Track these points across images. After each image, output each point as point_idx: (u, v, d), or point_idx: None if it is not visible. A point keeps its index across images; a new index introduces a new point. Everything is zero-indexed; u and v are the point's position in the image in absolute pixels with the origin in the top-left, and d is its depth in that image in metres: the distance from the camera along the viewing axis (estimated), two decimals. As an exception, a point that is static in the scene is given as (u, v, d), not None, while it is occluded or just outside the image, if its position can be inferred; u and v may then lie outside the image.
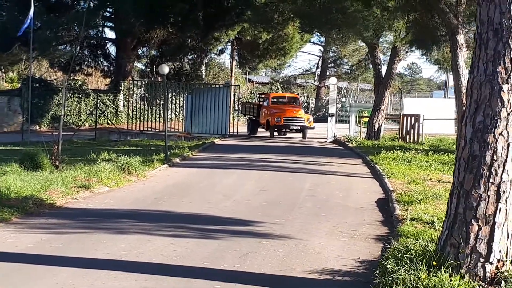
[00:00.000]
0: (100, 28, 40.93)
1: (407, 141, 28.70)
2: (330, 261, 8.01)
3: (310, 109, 53.27)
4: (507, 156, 6.41)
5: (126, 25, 35.67)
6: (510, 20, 6.36)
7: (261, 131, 34.51)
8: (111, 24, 40.10)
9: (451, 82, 38.09)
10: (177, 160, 19.10)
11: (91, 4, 36.55)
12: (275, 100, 34.36)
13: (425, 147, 25.38)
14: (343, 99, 55.29)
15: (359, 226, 10.35)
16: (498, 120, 6.39)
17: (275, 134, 32.85)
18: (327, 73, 60.02)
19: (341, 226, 10.29)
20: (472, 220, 6.44)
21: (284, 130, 32.66)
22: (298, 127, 31.56)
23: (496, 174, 6.40)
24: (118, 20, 37.25)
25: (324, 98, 55.23)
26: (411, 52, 34.17)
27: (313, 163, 19.43)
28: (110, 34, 42.56)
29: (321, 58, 62.68)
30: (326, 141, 30.59)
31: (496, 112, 6.40)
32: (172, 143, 24.26)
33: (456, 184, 6.66)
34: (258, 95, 42.47)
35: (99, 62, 42.65)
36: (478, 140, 6.47)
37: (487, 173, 6.41)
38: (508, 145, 6.41)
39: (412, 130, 29.39)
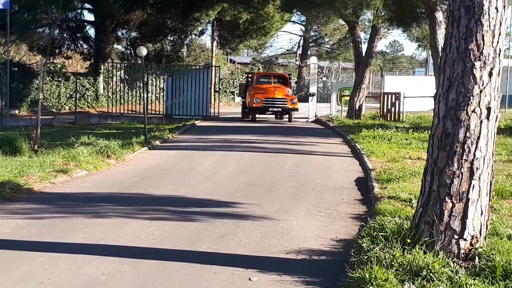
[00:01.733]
0: (79, 11, 40.58)
1: (388, 119, 28.84)
2: (307, 241, 8.03)
3: (292, 89, 53.22)
4: (480, 133, 6.43)
5: (105, 7, 35.41)
6: (481, -3, 6.37)
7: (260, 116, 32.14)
8: (89, 6, 39.66)
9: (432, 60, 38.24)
10: (157, 142, 19.06)
11: (69, -14, 36.23)
12: (260, 80, 32.34)
13: (406, 125, 25.54)
14: (325, 78, 55.35)
15: (338, 206, 10.38)
16: (471, 97, 6.40)
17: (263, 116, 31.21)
18: (309, 53, 59.90)
19: (319, 205, 10.32)
20: (446, 198, 6.47)
21: (264, 112, 30.23)
22: (279, 109, 29.63)
23: (469, 151, 6.43)
24: (97, 2, 36.92)
25: (306, 78, 55.08)
26: (392, 30, 34.11)
27: (294, 143, 19.47)
28: (89, 16, 42.15)
29: (302, 37, 62.56)
30: (307, 121, 30.69)
31: (469, 90, 6.41)
32: (152, 125, 24.22)
33: (430, 161, 6.68)
34: (246, 75, 40.45)
35: (79, 45, 42.31)
36: (451, 117, 6.48)
37: (460, 150, 6.43)
38: (481, 122, 6.43)
39: (393, 108, 29.52)
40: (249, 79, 33.87)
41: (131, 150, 16.62)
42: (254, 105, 29.15)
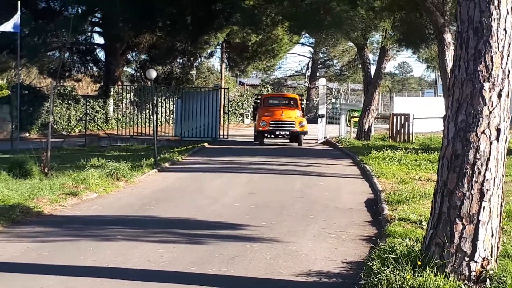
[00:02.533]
0: (89, 34, 40.83)
1: (397, 140, 28.78)
2: (317, 263, 8.00)
3: (303, 111, 53.16)
4: (489, 155, 6.40)
5: (114, 30, 35.60)
6: (490, 19, 6.37)
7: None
8: (99, 29, 39.99)
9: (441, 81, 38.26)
10: (167, 164, 19.09)
11: (79, 10, 36.48)
12: (269, 102, 30.29)
13: (415, 146, 25.47)
14: (334, 100, 55.45)
15: (347, 227, 10.34)
16: (480, 119, 6.39)
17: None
18: (317, 74, 60.05)
19: (329, 227, 10.29)
20: (456, 219, 6.43)
21: (271, 135, 28.15)
22: (287, 132, 27.58)
23: (479, 173, 6.40)
24: (107, 25, 37.17)
25: (314, 99, 55.22)
26: (400, 51, 34.22)
27: (303, 165, 19.45)
28: (99, 39, 42.48)
29: (311, 59, 62.76)
30: (316, 142, 30.62)
31: (478, 111, 6.40)
32: (162, 148, 24.24)
33: (440, 183, 6.65)
34: (255, 97, 39.17)
35: (89, 67, 42.52)
36: (460, 139, 6.47)
37: (470, 172, 6.41)
38: (491, 143, 6.41)
39: (402, 130, 29.47)
40: (257, 101, 32.58)
41: (141, 172, 16.64)
42: (260, 128, 27.41)
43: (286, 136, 28.13)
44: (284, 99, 30.91)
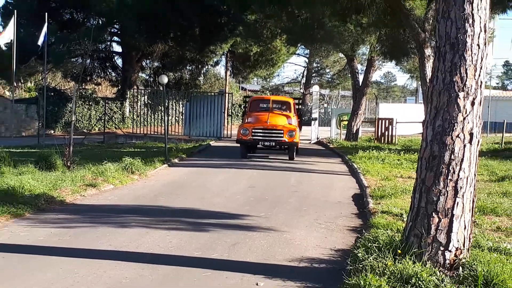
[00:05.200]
0: (108, 43, 40.76)
1: (382, 142, 28.78)
2: (309, 250, 8.02)
3: (300, 116, 53.03)
4: (463, 156, 6.42)
5: (131, 40, 35.57)
6: (465, 35, 6.39)
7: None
8: (118, 39, 39.91)
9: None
10: (176, 160, 19.08)
11: (100, 21, 36.49)
12: (257, 105, 22.27)
13: (398, 147, 25.45)
14: (325, 105, 55.38)
15: (336, 219, 10.35)
16: (455, 124, 6.41)
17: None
18: (311, 82, 59.74)
19: (320, 219, 10.30)
20: (433, 213, 6.45)
21: (254, 146, 20.88)
22: (273, 143, 19.84)
23: (454, 172, 6.42)
24: (124, 36, 37.14)
25: (308, 104, 55.07)
26: (385, 62, 34.16)
27: (298, 163, 19.44)
28: (117, 48, 42.25)
29: (305, 68, 62.46)
30: (310, 142, 30.60)
31: (453, 117, 6.42)
32: (172, 145, 24.23)
33: (419, 181, 6.67)
34: (244, 99, 29.72)
35: (107, 72, 42.46)
36: (437, 142, 6.49)
37: (446, 171, 6.43)
38: (464, 146, 6.43)
39: (386, 132, 29.48)
40: (245, 105, 24.09)
41: (153, 167, 16.64)
42: (241, 137, 19.88)
43: (276, 148, 20.65)
44: (275, 103, 22.39)
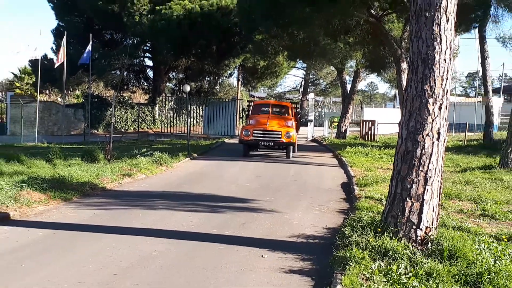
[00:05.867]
0: (141, 58, 40.76)
1: (366, 139, 28.66)
2: (305, 229, 8.00)
3: (299, 119, 52.86)
4: (432, 151, 6.40)
5: (160, 56, 35.69)
6: (434, 52, 6.36)
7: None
8: (149, 55, 39.91)
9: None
10: (196, 154, 19.06)
11: (135, 41, 36.51)
12: (258, 109, 20.90)
13: (379, 144, 25.37)
14: (320, 109, 55.22)
15: (328, 203, 10.33)
16: (426, 125, 6.38)
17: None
18: (308, 90, 59.71)
19: (314, 202, 10.28)
20: (407, 198, 6.43)
21: (255, 146, 19.06)
22: (271, 143, 18.25)
23: (424, 164, 6.40)
24: (154, 53, 37.24)
25: (305, 109, 54.99)
26: (369, 74, 34.00)
27: (296, 156, 19.37)
28: (148, 62, 42.08)
29: (303, 79, 62.36)
30: (306, 140, 30.51)
31: (424, 119, 6.39)
32: (193, 142, 24.24)
33: (395, 171, 6.64)
34: (247, 103, 25.59)
35: (141, 83, 42.54)
36: (411, 139, 6.46)
37: (418, 164, 6.41)
38: (433, 143, 6.40)
39: (369, 132, 29.37)
40: (248, 109, 22.11)
41: (178, 160, 16.63)
42: (243, 138, 18.51)
43: (275, 148, 18.86)
44: (275, 107, 21.04)
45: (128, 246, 6.80)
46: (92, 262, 6.12)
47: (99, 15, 32.78)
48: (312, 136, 31.52)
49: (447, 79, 6.42)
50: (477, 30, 24.06)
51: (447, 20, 6.36)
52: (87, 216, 8.58)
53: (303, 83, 62.73)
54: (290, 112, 20.72)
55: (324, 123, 34.75)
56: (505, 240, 6.66)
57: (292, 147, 18.54)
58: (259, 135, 18.18)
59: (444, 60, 6.39)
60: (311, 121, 32.33)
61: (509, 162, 14.63)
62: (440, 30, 6.34)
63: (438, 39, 6.34)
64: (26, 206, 8.82)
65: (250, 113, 20.70)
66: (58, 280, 5.53)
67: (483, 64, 25.14)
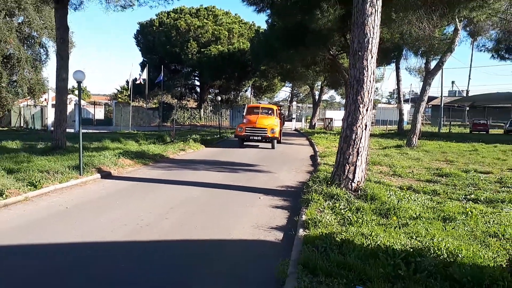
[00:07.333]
0: (192, 80, 40.49)
1: (327, 129, 28.37)
2: (286, 182, 7.98)
3: (283, 119, 52.31)
4: (362, 136, 6.34)
5: (203, 79, 35.43)
6: (363, 76, 6.27)
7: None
8: (197, 78, 39.67)
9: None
10: (225, 138, 18.94)
11: (188, 70, 36.25)
12: (251, 111, 16.83)
13: (334, 132, 25.05)
14: (300, 111, 54.60)
15: (301, 167, 10.28)
16: (358, 120, 6.32)
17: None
18: (293, 99, 59.21)
19: (293, 167, 10.23)
20: (346, 164, 6.39)
21: (247, 140, 15.35)
22: (259, 138, 14.91)
23: (356, 144, 6.34)
24: (200, 77, 36.97)
25: (291, 111, 54.63)
26: (329, 89, 33.64)
27: (284, 140, 19.25)
28: (196, 82, 41.92)
29: (290, 93, 61.74)
30: (291, 130, 30.29)
31: (357, 117, 6.32)
32: (223, 131, 24.18)
33: (339, 148, 6.59)
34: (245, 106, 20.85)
35: (192, 95, 42.29)
36: (349, 129, 6.40)
37: (353, 143, 6.35)
38: (363, 131, 6.33)
39: (329, 125, 29.11)
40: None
41: (214, 141, 16.53)
42: (238, 133, 15.29)
43: (262, 141, 15.13)
44: (264, 109, 17.19)
45: (178, 192, 6.83)
46: (158, 200, 6.18)
47: (167, 54, 32.63)
48: (295, 128, 31.29)
49: (371, 93, 6.34)
50: (394, 63, 23.76)
51: (372, 57, 6.26)
52: (157, 174, 8.60)
53: (290, 95, 62.10)
54: (275, 113, 17.16)
55: (302, 120, 34.49)
56: (405, 189, 6.64)
57: (275, 140, 15.28)
58: (249, 131, 15.01)
59: (370, 81, 6.30)
60: (294, 118, 32.13)
61: (411, 143, 14.51)
62: (367, 63, 6.25)
63: (366, 68, 6.25)
64: (120, 167, 8.89)
65: (245, 114, 17.07)
66: (138, 211, 5.61)
67: (398, 84, 24.83)
